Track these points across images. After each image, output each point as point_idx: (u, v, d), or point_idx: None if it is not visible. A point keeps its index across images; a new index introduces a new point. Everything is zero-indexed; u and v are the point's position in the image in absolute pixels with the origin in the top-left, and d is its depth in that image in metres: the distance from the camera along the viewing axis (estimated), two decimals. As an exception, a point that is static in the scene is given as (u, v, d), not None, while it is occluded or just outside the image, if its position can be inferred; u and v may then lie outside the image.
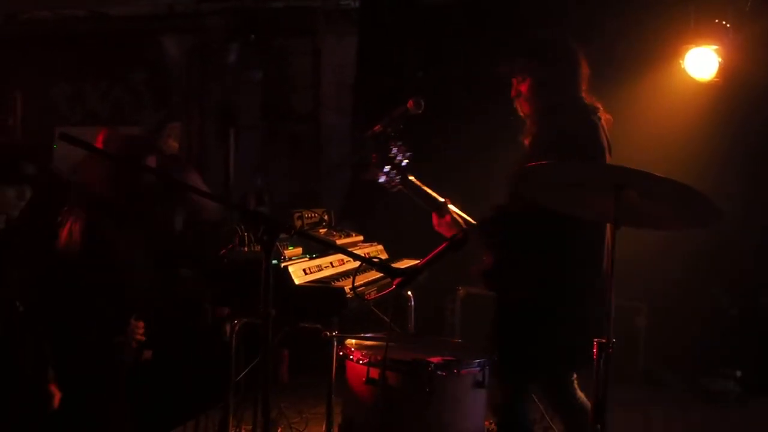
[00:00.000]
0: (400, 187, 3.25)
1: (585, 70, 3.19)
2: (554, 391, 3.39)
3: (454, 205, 3.29)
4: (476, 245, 3.14)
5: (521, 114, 3.25)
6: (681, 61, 5.73)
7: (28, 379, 3.36)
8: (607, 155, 3.18)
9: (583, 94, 3.18)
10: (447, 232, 3.23)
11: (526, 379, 3.20)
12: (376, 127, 3.30)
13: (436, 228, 3.29)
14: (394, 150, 3.19)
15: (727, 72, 5.66)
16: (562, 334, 3.03)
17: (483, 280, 3.26)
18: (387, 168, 3.18)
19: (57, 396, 3.40)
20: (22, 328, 3.36)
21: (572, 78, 3.15)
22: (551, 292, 3.06)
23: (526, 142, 3.17)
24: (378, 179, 3.22)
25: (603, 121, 3.18)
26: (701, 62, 5.64)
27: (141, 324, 3.72)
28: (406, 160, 3.22)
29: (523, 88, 3.20)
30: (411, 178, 3.24)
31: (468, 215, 3.29)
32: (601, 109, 3.18)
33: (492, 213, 3.17)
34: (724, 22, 5.57)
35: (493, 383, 3.07)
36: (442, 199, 3.29)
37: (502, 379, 3.15)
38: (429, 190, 3.31)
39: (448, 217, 3.23)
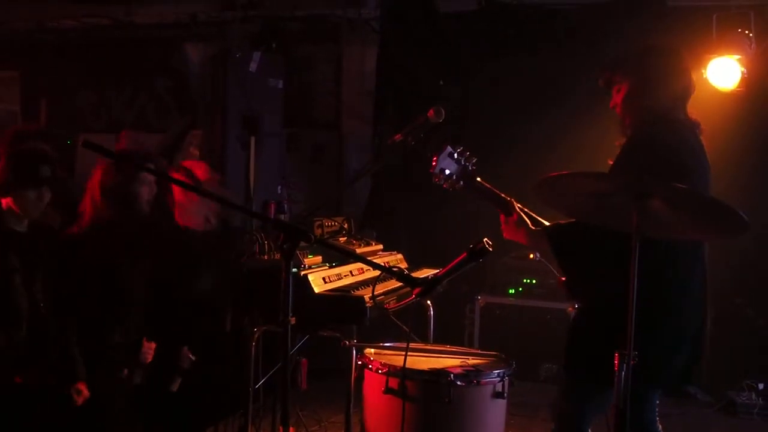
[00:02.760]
0: (461, 188, 3.20)
1: (688, 86, 3.13)
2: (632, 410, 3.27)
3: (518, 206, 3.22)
4: (544, 250, 3.10)
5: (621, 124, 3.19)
6: (703, 71, 5.69)
7: (54, 377, 3.40)
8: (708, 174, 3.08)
9: (687, 110, 3.12)
10: (512, 234, 3.17)
11: (594, 390, 3.07)
12: (397, 136, 3.29)
13: (503, 227, 3.21)
14: (457, 155, 3.17)
15: (750, 82, 5.62)
16: (642, 350, 2.97)
17: (565, 290, 3.20)
18: (448, 171, 3.15)
19: (84, 394, 3.44)
20: (45, 327, 3.40)
21: (669, 92, 3.08)
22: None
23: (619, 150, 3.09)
24: (440, 182, 3.18)
25: (702, 138, 3.11)
26: (724, 72, 5.61)
27: (153, 345, 3.73)
28: (473, 166, 3.19)
29: (619, 99, 3.14)
30: (479, 179, 3.20)
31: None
32: (701, 125, 3.12)
33: (568, 220, 3.07)
34: (746, 32, 5.53)
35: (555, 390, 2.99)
36: (507, 198, 3.22)
37: (569, 388, 3.09)
38: (495, 190, 3.25)
39: (515, 216, 3.16)
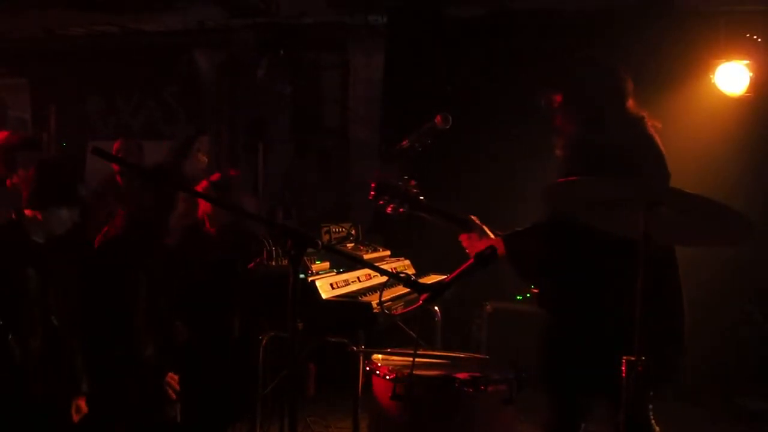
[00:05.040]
0: (405, 211, 3.16)
1: (624, 85, 3.10)
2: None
3: (477, 219, 3.20)
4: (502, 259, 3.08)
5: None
6: (712, 76, 5.69)
7: (58, 391, 3.39)
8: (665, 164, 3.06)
9: (628, 107, 3.08)
10: (479, 249, 3.11)
11: (573, 398, 3.09)
12: (404, 142, 3.29)
13: (466, 244, 3.18)
14: (394, 181, 3.13)
15: (758, 86, 5.62)
16: (608, 355, 2.95)
17: (536, 298, 3.19)
18: (388, 198, 3.11)
19: (82, 411, 3.41)
20: (56, 342, 3.39)
21: (605, 97, 3.05)
22: (593, 312, 2.96)
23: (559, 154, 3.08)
24: (383, 210, 3.14)
25: (651, 130, 3.08)
26: (732, 77, 5.60)
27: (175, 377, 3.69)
28: (415, 189, 3.15)
29: (558, 120, 3.12)
30: (422, 199, 3.17)
31: (492, 229, 3.18)
32: (647, 117, 3.09)
33: (523, 228, 3.07)
34: (755, 37, 5.52)
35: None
36: (463, 216, 3.19)
37: (550, 399, 3.09)
38: (448, 211, 3.22)
39: (477, 232, 3.14)
